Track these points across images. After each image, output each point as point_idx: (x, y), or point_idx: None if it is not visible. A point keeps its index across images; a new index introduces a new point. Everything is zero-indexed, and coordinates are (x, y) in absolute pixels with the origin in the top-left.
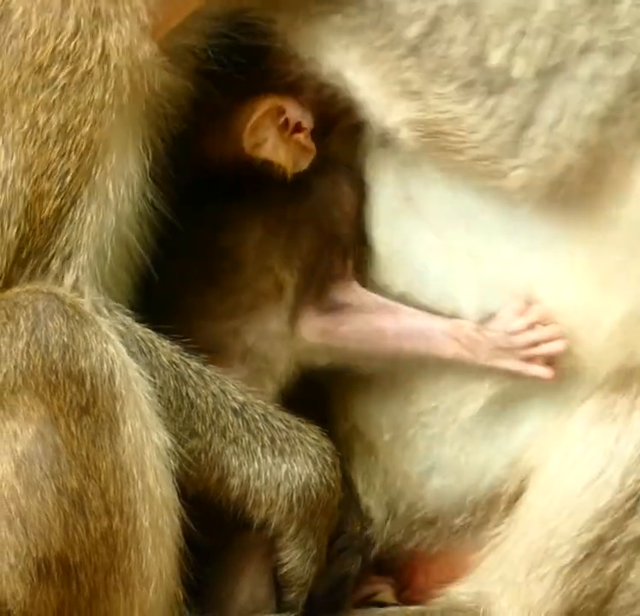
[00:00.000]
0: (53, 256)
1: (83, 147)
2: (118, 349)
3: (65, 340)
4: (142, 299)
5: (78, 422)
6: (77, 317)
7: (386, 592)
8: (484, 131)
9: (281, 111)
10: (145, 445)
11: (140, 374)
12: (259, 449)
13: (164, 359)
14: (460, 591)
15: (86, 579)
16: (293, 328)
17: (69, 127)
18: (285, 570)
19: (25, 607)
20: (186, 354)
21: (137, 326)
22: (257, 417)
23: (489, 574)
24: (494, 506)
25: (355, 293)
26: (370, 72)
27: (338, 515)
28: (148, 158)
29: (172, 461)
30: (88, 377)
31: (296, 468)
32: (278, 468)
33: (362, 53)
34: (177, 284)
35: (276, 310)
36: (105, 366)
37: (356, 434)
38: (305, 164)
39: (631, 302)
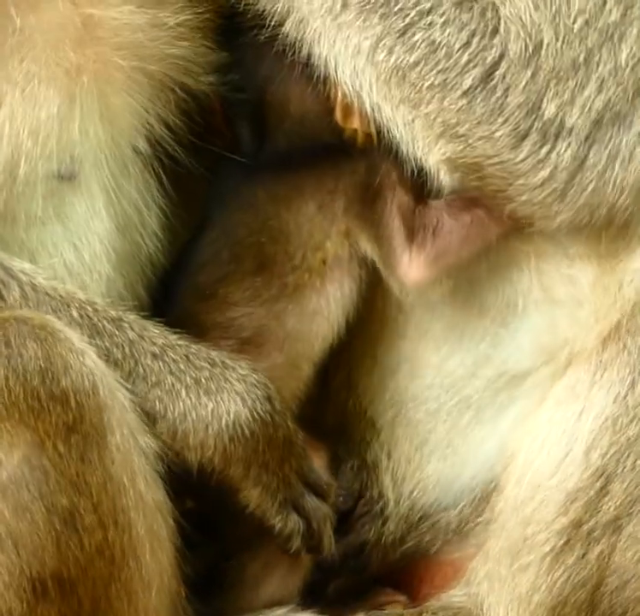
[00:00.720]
0: None
1: None
2: (96, 361)
3: (42, 364)
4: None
5: (66, 441)
6: (49, 339)
7: (398, 606)
8: (536, 178)
9: None
10: (133, 452)
11: (119, 382)
12: (183, 390)
13: (75, 314)
14: (452, 594)
15: (86, 593)
16: (406, 277)
17: None
18: (252, 509)
19: None
20: (102, 305)
21: (45, 283)
22: (178, 358)
23: (477, 573)
24: (486, 501)
25: (433, 210)
26: (410, 111)
27: (301, 445)
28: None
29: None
30: (72, 395)
31: (223, 406)
32: (204, 408)
33: (406, 92)
34: (217, 271)
35: (316, 287)
36: (86, 381)
37: (360, 411)
38: None
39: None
